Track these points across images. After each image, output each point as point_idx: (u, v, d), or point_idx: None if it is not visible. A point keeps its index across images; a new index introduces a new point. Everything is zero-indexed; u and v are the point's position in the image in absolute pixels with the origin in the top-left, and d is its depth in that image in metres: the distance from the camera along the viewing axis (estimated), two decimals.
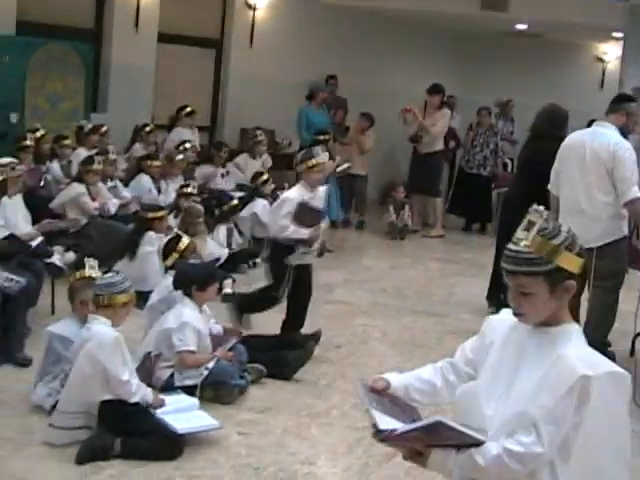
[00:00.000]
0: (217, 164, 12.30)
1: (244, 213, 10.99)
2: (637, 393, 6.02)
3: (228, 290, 8.74)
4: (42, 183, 9.89)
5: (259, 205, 10.99)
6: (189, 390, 5.93)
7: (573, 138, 7.57)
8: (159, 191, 10.86)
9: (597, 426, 2.74)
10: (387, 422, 2.85)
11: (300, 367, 6.85)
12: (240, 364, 6.45)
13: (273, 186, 11.38)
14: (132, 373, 5.44)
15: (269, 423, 5.95)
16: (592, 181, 7.22)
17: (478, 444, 2.74)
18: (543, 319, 2.88)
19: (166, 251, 7.00)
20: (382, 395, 3.07)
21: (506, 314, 3.06)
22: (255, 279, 9.95)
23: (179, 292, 6.26)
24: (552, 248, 2.77)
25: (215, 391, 6.10)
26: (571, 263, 2.80)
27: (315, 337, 7.22)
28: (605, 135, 7.24)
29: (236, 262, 10.05)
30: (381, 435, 2.83)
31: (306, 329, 7.40)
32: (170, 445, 5.27)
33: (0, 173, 7.72)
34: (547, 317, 2.87)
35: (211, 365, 6.09)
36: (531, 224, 2.86)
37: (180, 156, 11.30)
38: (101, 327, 5.37)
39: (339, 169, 10.74)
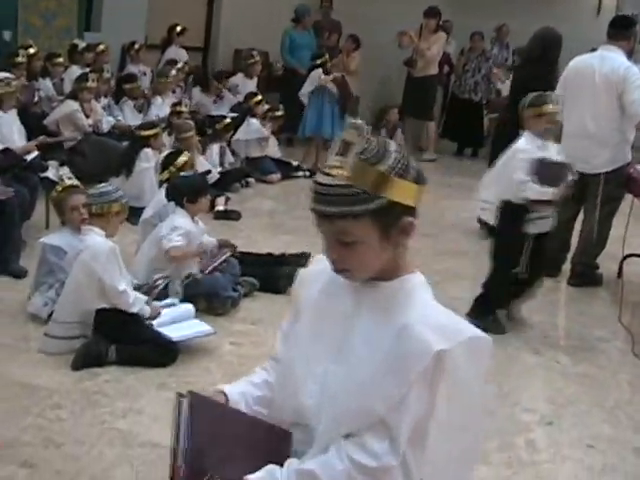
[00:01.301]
0: (213, 93, 12.33)
1: (238, 134, 11.03)
2: (636, 343, 6.19)
3: (220, 207, 8.84)
4: (35, 100, 9.91)
5: (252, 124, 11.05)
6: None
7: (580, 63, 7.58)
8: (140, 112, 10.91)
9: (445, 407, 2.07)
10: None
11: (293, 282, 6.93)
12: (233, 277, 6.56)
13: (266, 107, 11.42)
14: (128, 284, 5.54)
15: (261, 335, 6.06)
16: (602, 105, 7.26)
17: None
18: (375, 274, 2.15)
19: (164, 165, 7.08)
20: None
21: (321, 262, 2.28)
22: (246, 198, 10.11)
23: (171, 204, 6.34)
24: (378, 176, 1.99)
25: (208, 302, 6.23)
26: (406, 193, 2.03)
27: (306, 255, 7.31)
28: (615, 59, 7.28)
29: (229, 181, 10.11)
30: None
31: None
32: (164, 352, 5.39)
33: None
34: (380, 270, 2.14)
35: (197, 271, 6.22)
36: (347, 145, 2.05)
37: (173, 72, 11.31)
38: (95, 237, 5.46)
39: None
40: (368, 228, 2.02)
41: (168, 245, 6.07)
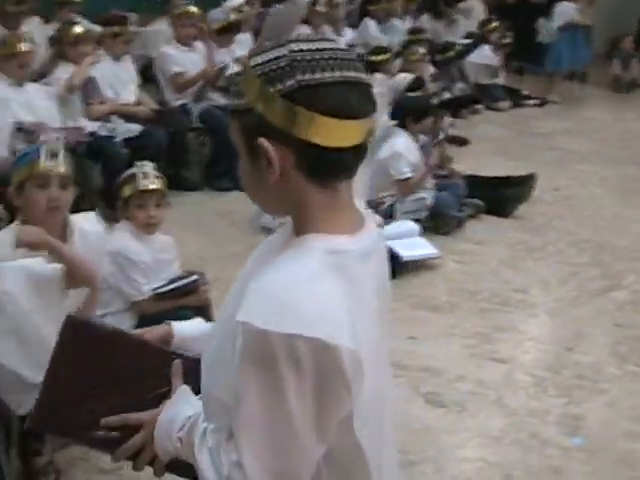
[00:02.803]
0: (444, 18, 12.30)
1: (471, 58, 11.00)
2: None
3: (448, 131, 8.89)
4: None
5: (484, 51, 10.99)
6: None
7: None
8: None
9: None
10: None
11: (518, 205, 6.98)
12: (459, 198, 6.63)
13: (499, 34, 11.32)
14: None
15: (485, 254, 6.15)
16: None
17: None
18: (272, 210, 1.71)
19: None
20: None
21: None
22: (474, 124, 10.11)
23: (394, 123, 6.45)
24: (245, 71, 1.53)
25: (434, 221, 6.34)
26: (264, 104, 1.47)
27: (533, 177, 7.26)
28: None
29: (458, 106, 10.11)
30: None
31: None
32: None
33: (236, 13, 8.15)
34: (277, 209, 1.67)
35: (428, 196, 6.31)
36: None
37: None
38: None
39: None
40: (238, 135, 1.54)
41: (398, 177, 6.19)
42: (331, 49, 1.49)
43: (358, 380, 1.44)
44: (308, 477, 1.50)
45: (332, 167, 1.51)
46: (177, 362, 1.80)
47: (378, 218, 5.75)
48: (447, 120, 8.77)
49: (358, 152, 1.52)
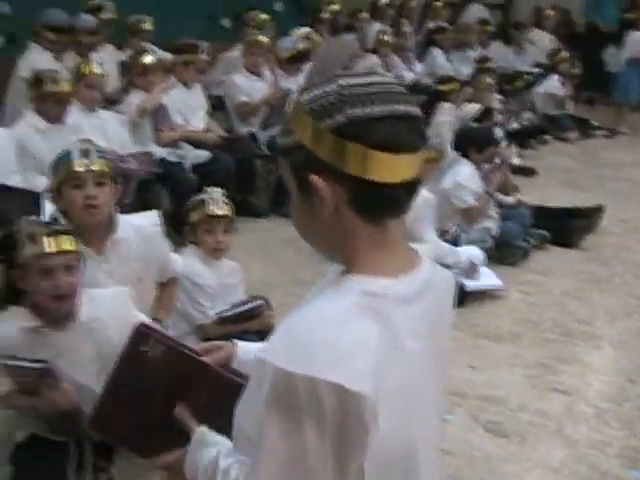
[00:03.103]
0: (513, 43, 12.29)
1: (539, 88, 10.97)
2: None
3: (515, 161, 8.87)
4: None
5: (553, 81, 10.95)
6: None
7: None
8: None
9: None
10: None
11: (585, 236, 6.93)
12: (524, 228, 6.61)
13: (567, 65, 11.27)
14: None
15: (550, 284, 6.12)
16: None
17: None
18: (323, 248, 1.60)
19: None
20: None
21: None
22: (542, 155, 10.07)
23: (457, 153, 6.47)
24: (294, 108, 1.53)
25: (499, 251, 6.33)
26: (313, 138, 1.46)
27: (601, 209, 7.21)
28: None
29: (525, 136, 10.08)
30: None
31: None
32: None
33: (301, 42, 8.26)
34: (326, 246, 1.59)
35: (493, 226, 6.31)
36: None
37: (476, 27, 11.45)
38: None
39: None
40: (288, 172, 1.54)
41: (461, 205, 6.21)
42: (380, 83, 1.48)
43: (375, 423, 1.41)
44: None
45: (384, 203, 1.48)
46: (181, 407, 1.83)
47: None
48: (513, 150, 8.76)
49: (410, 188, 1.49)
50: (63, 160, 3.31)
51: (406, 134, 1.46)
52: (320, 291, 1.55)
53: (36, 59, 6.63)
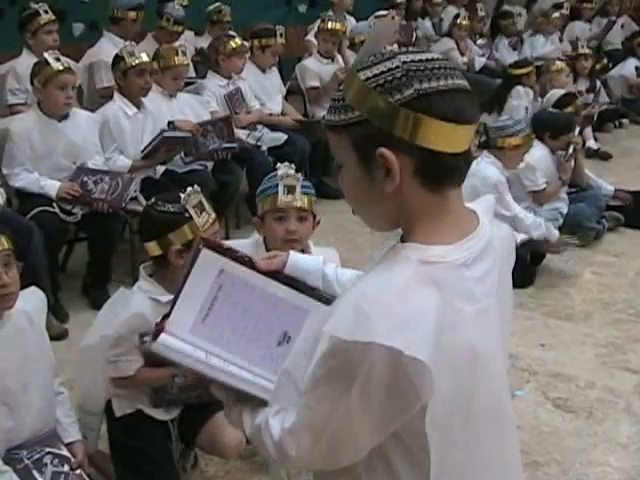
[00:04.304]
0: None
1: (614, 72, 10.87)
2: None
3: (592, 145, 8.84)
4: (413, 39, 10.38)
5: (629, 65, 10.83)
6: None
7: None
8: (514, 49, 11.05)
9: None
10: (177, 329, 1.82)
11: None
12: (599, 210, 6.62)
13: None
14: None
15: (622, 266, 6.12)
16: None
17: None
18: (381, 222, 1.66)
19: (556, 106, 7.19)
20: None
21: None
22: (620, 138, 10.00)
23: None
24: (357, 84, 1.55)
25: (572, 233, 6.36)
26: (382, 113, 1.51)
27: None
28: None
29: (603, 120, 10.01)
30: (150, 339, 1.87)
31: None
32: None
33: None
34: (384, 219, 1.65)
35: (563, 206, 6.33)
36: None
37: (556, 14, 11.37)
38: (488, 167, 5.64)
39: None
40: (346, 148, 1.57)
41: (533, 188, 6.20)
42: (436, 59, 1.55)
43: (430, 388, 1.46)
44: (348, 463, 1.59)
45: (447, 173, 1.55)
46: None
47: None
48: (589, 133, 8.72)
49: (467, 158, 1.57)
50: (268, 192, 3.30)
51: (468, 106, 1.54)
52: (378, 263, 1.60)
53: (107, 47, 6.75)
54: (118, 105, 5.64)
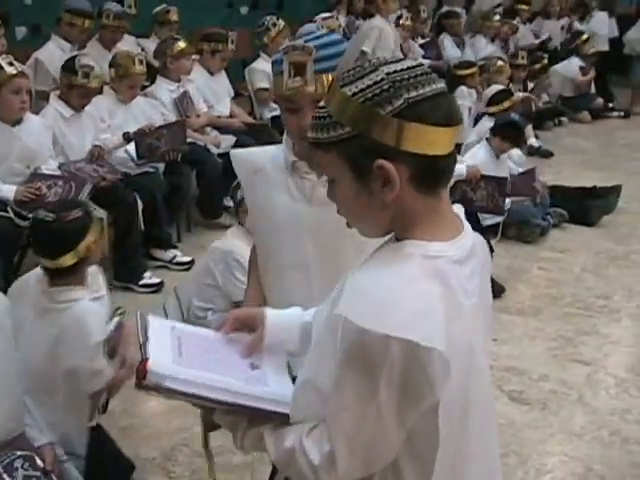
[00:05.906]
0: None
1: (558, 67, 11.06)
2: None
3: (534, 143, 9.02)
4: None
5: (573, 65, 11.04)
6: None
7: None
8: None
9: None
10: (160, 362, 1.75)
11: (603, 215, 7.09)
12: (543, 207, 6.78)
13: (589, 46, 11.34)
14: None
15: (569, 262, 6.29)
16: None
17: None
18: (379, 230, 1.68)
19: (493, 101, 7.32)
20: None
21: None
22: (559, 136, 10.20)
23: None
24: (342, 99, 1.56)
25: (518, 230, 6.51)
26: (377, 126, 1.53)
27: (618, 188, 7.34)
28: None
29: (542, 118, 10.20)
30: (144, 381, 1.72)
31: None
32: None
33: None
34: (382, 227, 1.66)
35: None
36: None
37: (496, 17, 11.53)
38: None
39: None
40: (338, 164, 1.58)
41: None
42: (416, 66, 1.58)
43: (444, 379, 1.51)
44: (382, 466, 1.60)
45: (440, 174, 1.59)
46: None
47: None
48: (529, 131, 8.88)
49: (454, 157, 1.62)
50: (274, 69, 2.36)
51: (454, 109, 1.60)
52: (376, 258, 1.63)
53: (55, 51, 6.79)
54: (54, 107, 5.64)
